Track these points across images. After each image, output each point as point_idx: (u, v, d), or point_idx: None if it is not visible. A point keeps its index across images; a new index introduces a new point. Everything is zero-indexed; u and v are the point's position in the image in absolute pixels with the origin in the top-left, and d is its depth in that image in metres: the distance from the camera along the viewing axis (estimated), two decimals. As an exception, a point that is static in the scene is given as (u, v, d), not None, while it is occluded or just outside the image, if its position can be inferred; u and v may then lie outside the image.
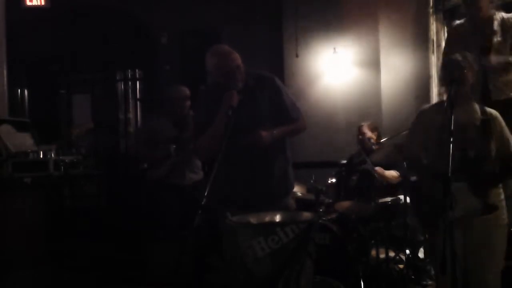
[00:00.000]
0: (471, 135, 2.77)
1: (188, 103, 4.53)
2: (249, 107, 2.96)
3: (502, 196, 2.83)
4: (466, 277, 2.66)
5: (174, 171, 4.43)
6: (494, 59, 3.74)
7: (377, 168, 4.38)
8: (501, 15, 3.86)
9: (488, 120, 2.81)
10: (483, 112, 2.85)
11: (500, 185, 2.84)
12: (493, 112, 2.89)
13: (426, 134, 2.92)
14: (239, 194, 2.97)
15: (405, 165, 3.93)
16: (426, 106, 3.19)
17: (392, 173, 4.53)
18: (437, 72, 5.59)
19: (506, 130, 2.85)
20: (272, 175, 3.03)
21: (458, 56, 2.85)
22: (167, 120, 4.53)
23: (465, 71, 2.78)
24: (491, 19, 3.83)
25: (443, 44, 5.59)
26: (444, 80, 2.87)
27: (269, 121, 2.99)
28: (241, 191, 2.98)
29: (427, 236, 3.74)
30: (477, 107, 2.88)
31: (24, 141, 4.50)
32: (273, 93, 3.04)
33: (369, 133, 4.86)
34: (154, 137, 4.50)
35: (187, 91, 4.57)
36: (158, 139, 4.48)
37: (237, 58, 2.97)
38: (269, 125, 2.97)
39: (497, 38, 3.76)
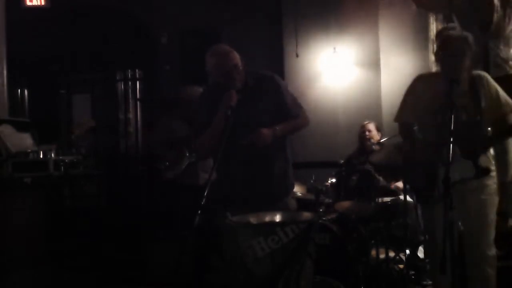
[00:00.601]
0: (461, 99, 2.75)
1: None
2: (250, 106, 2.96)
3: (491, 159, 2.86)
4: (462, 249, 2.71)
5: (188, 171, 4.45)
6: (494, 34, 3.71)
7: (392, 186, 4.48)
8: None
9: (475, 81, 2.80)
10: (471, 76, 2.84)
11: (491, 153, 2.87)
12: (481, 72, 2.89)
13: (419, 102, 2.92)
14: (239, 193, 2.97)
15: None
16: (422, 74, 3.18)
17: (398, 186, 4.54)
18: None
19: (495, 89, 2.83)
20: (272, 174, 3.03)
21: (455, 34, 2.82)
22: (181, 120, 4.54)
23: (463, 51, 2.76)
24: None
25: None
26: (439, 55, 2.85)
27: (270, 120, 2.98)
28: (241, 190, 2.98)
29: (420, 212, 3.76)
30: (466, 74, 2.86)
31: (24, 141, 4.50)
32: (273, 91, 3.04)
33: (375, 132, 4.88)
34: (169, 138, 4.52)
35: (200, 91, 4.59)
36: (173, 140, 4.50)
37: (236, 57, 2.98)
38: (271, 123, 2.97)
39: (497, 13, 3.72)
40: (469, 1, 3.83)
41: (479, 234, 2.81)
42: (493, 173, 2.86)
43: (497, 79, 3.18)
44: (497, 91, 2.83)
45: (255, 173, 2.98)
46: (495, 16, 3.69)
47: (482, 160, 2.74)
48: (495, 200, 2.86)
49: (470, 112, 2.77)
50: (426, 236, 3.26)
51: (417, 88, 2.99)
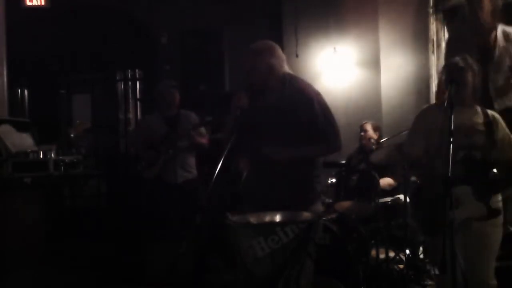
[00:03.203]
0: (475, 138, 2.77)
1: (177, 98, 4.56)
2: (275, 114, 2.87)
3: (500, 198, 2.84)
4: (465, 277, 2.67)
5: (166, 169, 4.45)
6: (496, 67, 3.71)
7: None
8: (502, 28, 3.82)
9: (491, 122, 2.81)
10: (486, 115, 2.84)
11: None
12: (496, 114, 2.89)
13: (427, 135, 2.91)
14: (263, 196, 2.87)
15: (406, 166, 3.93)
16: (428, 106, 3.17)
17: (387, 181, 4.54)
18: (437, 72, 5.58)
19: (509, 133, 2.85)
20: (298, 180, 2.89)
21: (458, 59, 2.85)
22: (159, 117, 4.56)
23: (465, 72, 2.78)
24: (491, 31, 3.78)
25: (443, 44, 5.60)
26: (445, 83, 2.86)
27: (297, 133, 2.86)
28: (265, 194, 2.87)
29: (427, 239, 3.75)
30: (479, 109, 2.88)
31: (24, 141, 4.51)
32: (306, 109, 2.88)
33: (371, 131, 4.88)
34: (149, 136, 4.53)
35: (173, 85, 4.60)
36: (152, 138, 4.50)
37: (255, 59, 2.90)
38: (296, 137, 2.85)
39: (497, 51, 3.73)
40: (471, 33, 3.82)
41: (481, 266, 2.78)
42: (501, 203, 2.83)
43: (500, 112, 3.19)
44: (509, 134, 2.84)
45: (275, 180, 2.86)
46: (497, 51, 3.70)
47: (493, 202, 2.72)
48: (499, 232, 2.83)
49: (484, 153, 2.76)
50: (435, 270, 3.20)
51: (424, 120, 2.97)
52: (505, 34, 3.79)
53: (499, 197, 2.83)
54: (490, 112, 2.89)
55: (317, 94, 2.99)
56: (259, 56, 2.91)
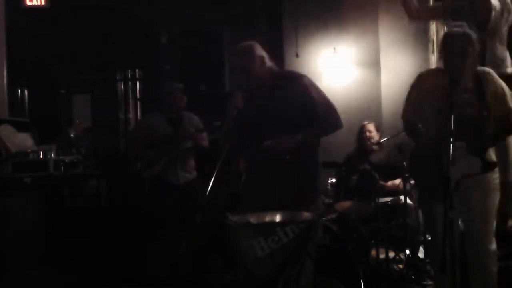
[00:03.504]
0: (466, 96, 2.76)
1: (183, 100, 4.57)
2: (273, 107, 2.90)
3: (495, 158, 2.86)
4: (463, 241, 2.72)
5: (167, 170, 4.46)
6: (491, 33, 3.69)
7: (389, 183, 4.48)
8: None
9: (479, 78, 2.80)
10: (475, 72, 2.83)
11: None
12: (485, 69, 2.90)
13: (423, 99, 2.92)
14: (265, 196, 2.87)
15: (406, 166, 3.94)
16: (425, 70, 3.17)
17: (395, 182, 4.54)
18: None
19: (501, 86, 2.83)
20: (299, 178, 2.90)
21: (457, 29, 2.82)
22: (162, 118, 4.56)
23: (464, 43, 2.76)
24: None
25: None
26: (444, 53, 2.85)
27: (296, 122, 2.87)
28: (266, 193, 2.88)
29: (421, 211, 3.78)
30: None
31: (24, 141, 4.51)
32: (299, 93, 2.94)
33: (374, 132, 4.88)
34: (149, 136, 4.53)
35: (181, 88, 4.60)
36: (152, 138, 4.51)
37: (246, 58, 2.94)
38: (296, 126, 2.86)
39: (494, 12, 3.70)
40: (465, 2, 3.79)
41: (481, 229, 2.81)
42: (496, 168, 2.87)
43: None
44: (502, 88, 2.84)
45: (279, 178, 2.87)
46: (492, 15, 3.66)
47: (488, 155, 2.76)
48: (497, 195, 2.87)
49: (476, 108, 2.76)
50: (429, 236, 3.25)
51: (420, 86, 2.99)
52: None
53: (493, 154, 2.85)
54: (481, 68, 2.88)
55: (304, 77, 3.06)
56: (246, 55, 2.94)
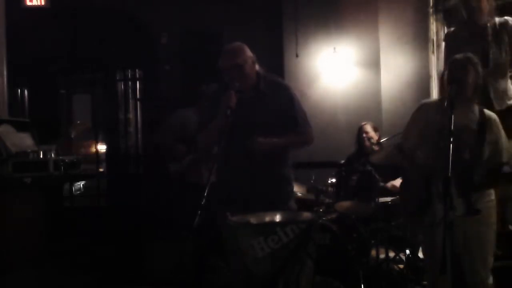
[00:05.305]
0: (467, 137, 2.76)
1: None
2: (257, 110, 2.97)
3: (493, 197, 2.83)
4: (460, 276, 2.70)
5: (193, 169, 4.46)
6: (492, 71, 3.70)
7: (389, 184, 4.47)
8: (493, 21, 3.79)
9: (484, 123, 2.80)
10: (482, 115, 2.83)
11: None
12: (492, 115, 2.88)
13: (424, 129, 2.92)
14: (239, 195, 2.95)
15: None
16: (427, 100, 3.17)
17: (395, 184, 4.54)
18: (437, 72, 5.58)
19: (502, 137, 2.83)
20: (273, 179, 3.01)
21: (460, 57, 2.84)
22: (194, 117, 4.55)
23: (468, 71, 2.77)
24: (486, 26, 3.77)
25: (443, 44, 5.59)
26: (448, 81, 2.85)
27: (276, 128, 2.97)
28: (240, 193, 2.96)
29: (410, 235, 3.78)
30: (477, 109, 2.86)
31: (24, 141, 4.50)
32: (285, 102, 3.04)
33: (372, 133, 4.88)
34: (182, 132, 4.54)
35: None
36: (184, 134, 4.52)
37: (241, 57, 2.99)
38: (275, 132, 2.95)
39: (492, 48, 3.72)
40: (466, 33, 3.81)
41: (474, 264, 2.79)
42: (493, 202, 2.85)
43: (500, 112, 3.18)
44: (502, 141, 2.83)
45: (254, 176, 2.95)
46: (491, 52, 3.69)
47: (481, 201, 2.75)
48: (491, 232, 2.84)
49: (474, 152, 2.76)
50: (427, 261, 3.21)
51: (423, 115, 2.98)
52: (497, 26, 3.75)
53: (491, 198, 2.81)
54: (487, 112, 2.87)
55: (291, 88, 3.14)
56: (240, 55, 3.01)
